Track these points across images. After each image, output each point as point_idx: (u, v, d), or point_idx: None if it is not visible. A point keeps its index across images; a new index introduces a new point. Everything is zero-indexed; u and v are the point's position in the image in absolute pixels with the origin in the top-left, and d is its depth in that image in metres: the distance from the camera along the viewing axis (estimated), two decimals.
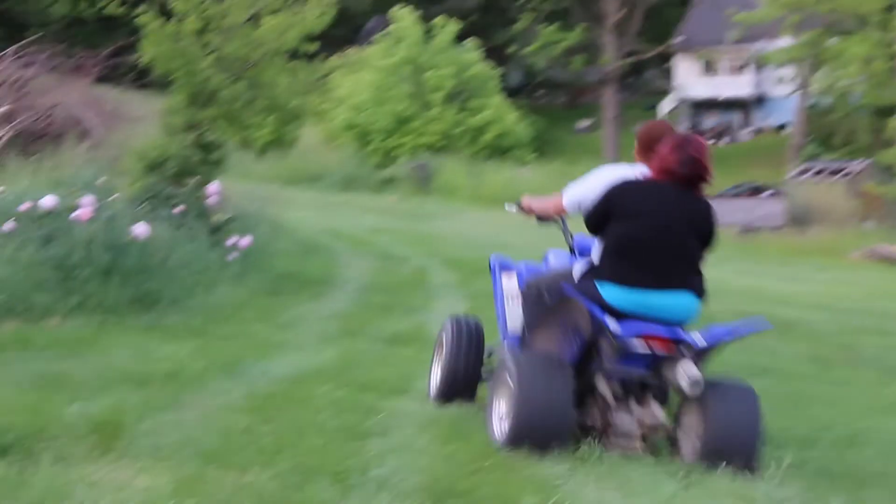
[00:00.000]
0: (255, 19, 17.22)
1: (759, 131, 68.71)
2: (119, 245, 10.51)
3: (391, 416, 6.80)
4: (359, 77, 48.09)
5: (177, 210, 13.25)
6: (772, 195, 40.81)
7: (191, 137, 15.09)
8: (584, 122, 70.64)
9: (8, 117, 22.31)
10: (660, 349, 6.26)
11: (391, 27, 50.61)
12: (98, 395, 6.49)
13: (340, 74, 43.87)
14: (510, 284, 7.36)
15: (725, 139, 68.66)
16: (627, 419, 6.41)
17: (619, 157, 59.72)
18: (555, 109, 74.12)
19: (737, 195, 43.90)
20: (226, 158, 15.73)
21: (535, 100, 76.22)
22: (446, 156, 42.84)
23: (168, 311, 10.37)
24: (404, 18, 49.66)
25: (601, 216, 6.50)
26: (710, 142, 67.86)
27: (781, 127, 66.37)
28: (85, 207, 10.50)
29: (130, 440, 5.59)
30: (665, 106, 71.87)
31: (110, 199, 12.20)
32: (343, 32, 65.12)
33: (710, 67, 68.00)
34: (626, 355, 6.28)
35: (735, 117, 70.17)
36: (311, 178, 38.84)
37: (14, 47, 24.69)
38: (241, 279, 12.89)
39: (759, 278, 22.52)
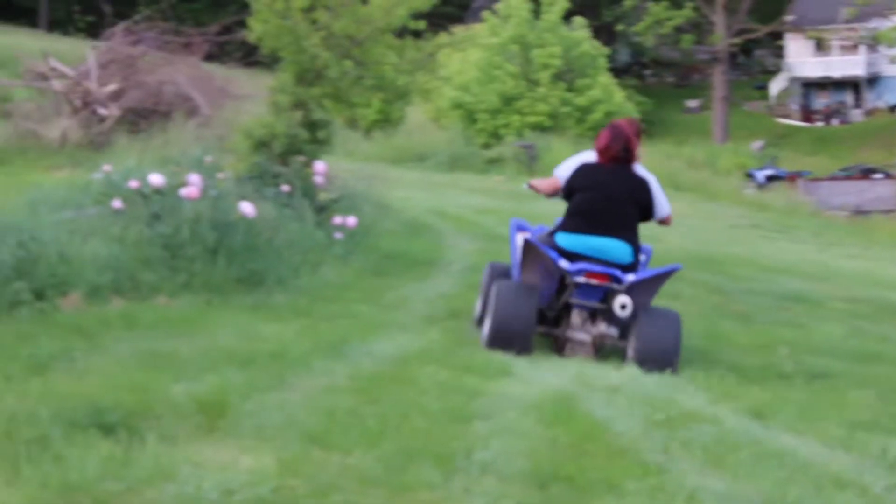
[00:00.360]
0: None
1: (871, 112, 67.76)
2: (226, 224, 10.56)
3: (495, 399, 6.76)
4: (466, 55, 48.00)
5: (283, 189, 13.29)
6: (884, 178, 40.23)
7: (298, 116, 15.12)
8: (693, 102, 70.13)
9: (117, 95, 22.59)
10: (599, 282, 8.79)
11: (499, 5, 50.48)
12: (203, 374, 6.50)
13: (447, 52, 43.82)
14: (520, 240, 9.45)
15: (836, 120, 67.76)
16: (583, 334, 9.08)
17: (727, 137, 59.21)
18: (663, 89, 73.68)
19: (847, 177, 43.38)
20: (332, 137, 15.74)
21: (644, 79, 75.86)
22: (553, 136, 42.61)
23: (273, 291, 10.40)
24: None
25: (569, 189, 9.26)
26: (819, 123, 67.06)
27: (894, 107, 65.39)
28: (192, 186, 10.56)
29: (235, 420, 5.59)
30: (775, 85, 71.09)
31: (218, 177, 12.29)
32: (451, 10, 65.22)
33: (821, 46, 67.12)
34: (586, 289, 8.87)
35: (847, 97, 69.23)
36: (417, 158, 38.80)
37: (123, 25, 25.01)
38: (346, 259, 12.91)
39: (870, 262, 22.18)
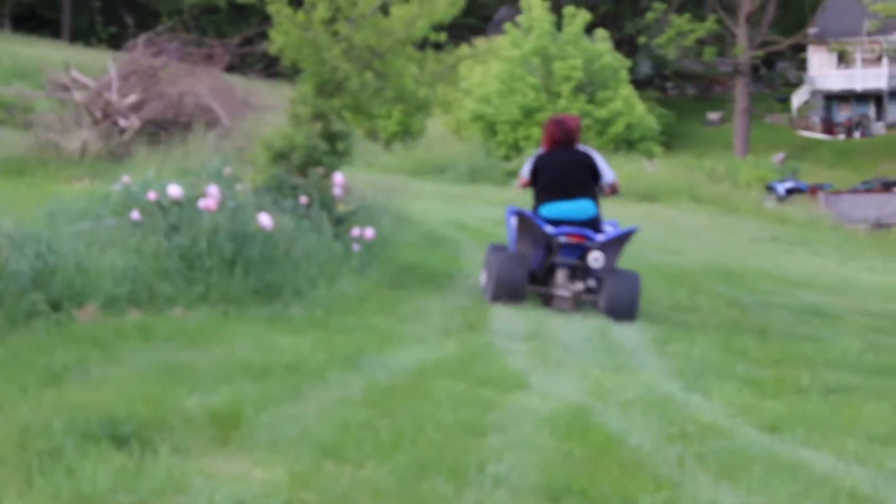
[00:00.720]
0: (384, 8, 17.25)
1: (893, 125, 67.55)
2: (243, 235, 10.57)
3: (509, 412, 6.75)
4: (487, 67, 48.03)
5: (301, 201, 13.30)
6: None
7: (317, 127, 15.13)
8: (715, 115, 70.01)
9: (137, 106, 22.68)
10: (577, 241, 11.48)
11: (521, 17, 50.51)
12: (218, 386, 6.51)
13: (469, 64, 43.86)
14: (514, 220, 12.02)
15: (858, 133, 67.59)
16: (565, 290, 11.61)
17: (749, 149, 59.10)
18: (685, 101, 73.59)
19: (868, 190, 43.27)
20: (352, 149, 15.73)
21: (665, 91, 75.78)
22: None
23: (290, 303, 10.40)
24: (534, 8, 49.54)
25: (534, 175, 12.13)
26: (841, 136, 66.90)
27: None
28: (210, 197, 10.58)
29: (249, 432, 5.59)
30: (797, 98, 70.93)
31: (236, 188, 12.32)
32: (473, 22, 65.27)
33: (844, 59, 66.95)
34: (567, 249, 11.53)
35: (869, 110, 69.05)
36: (437, 170, 38.78)
37: (145, 36, 25.11)
38: (363, 271, 12.91)
39: (890, 275, 22.10)
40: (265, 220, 10.69)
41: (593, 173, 12.00)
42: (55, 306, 8.52)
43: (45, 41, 57.45)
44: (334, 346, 8.49)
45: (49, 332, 8.00)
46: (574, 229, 11.55)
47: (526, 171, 12.32)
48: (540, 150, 12.43)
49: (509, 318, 11.31)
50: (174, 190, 10.80)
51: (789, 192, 45.44)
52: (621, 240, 11.68)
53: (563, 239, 11.49)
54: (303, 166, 14.51)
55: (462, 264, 15.74)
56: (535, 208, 11.99)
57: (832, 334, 12.46)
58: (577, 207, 11.77)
